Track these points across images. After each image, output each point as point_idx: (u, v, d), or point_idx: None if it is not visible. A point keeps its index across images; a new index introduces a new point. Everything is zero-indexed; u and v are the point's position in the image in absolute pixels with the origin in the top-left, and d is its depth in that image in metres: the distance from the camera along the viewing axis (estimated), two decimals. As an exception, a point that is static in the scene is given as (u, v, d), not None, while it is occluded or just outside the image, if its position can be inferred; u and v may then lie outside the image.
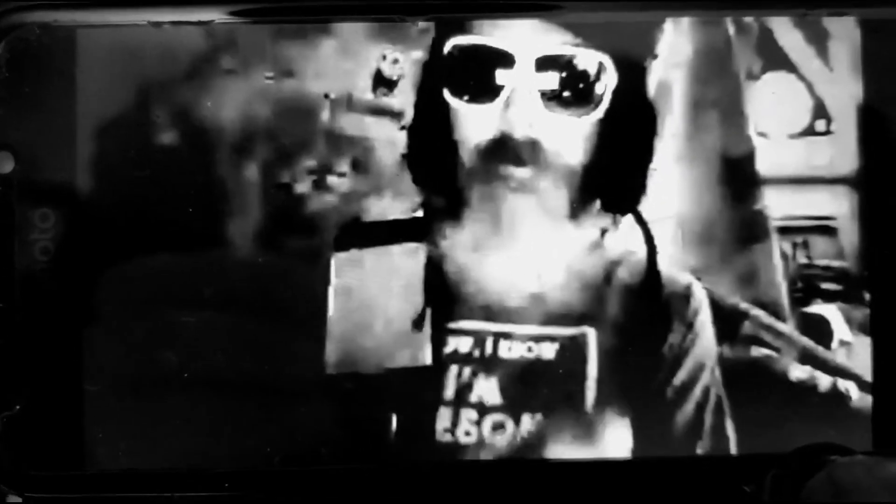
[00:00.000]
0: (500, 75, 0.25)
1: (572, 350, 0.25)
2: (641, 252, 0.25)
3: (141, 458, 0.25)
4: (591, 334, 0.25)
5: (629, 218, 0.26)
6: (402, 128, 0.25)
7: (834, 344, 0.25)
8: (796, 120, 0.25)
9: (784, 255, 0.25)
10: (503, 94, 0.26)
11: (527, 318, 0.25)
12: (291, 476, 0.25)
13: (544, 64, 0.26)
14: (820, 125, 0.25)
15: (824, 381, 0.25)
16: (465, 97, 0.25)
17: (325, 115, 0.25)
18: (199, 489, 0.25)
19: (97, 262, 0.25)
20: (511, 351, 0.25)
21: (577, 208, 0.26)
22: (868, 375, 0.25)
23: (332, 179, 0.25)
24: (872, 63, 0.25)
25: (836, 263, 0.25)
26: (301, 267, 0.25)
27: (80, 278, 0.25)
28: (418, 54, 0.25)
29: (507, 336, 0.25)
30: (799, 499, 0.21)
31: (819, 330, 0.25)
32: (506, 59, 0.25)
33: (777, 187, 0.25)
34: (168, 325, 0.25)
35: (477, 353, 0.25)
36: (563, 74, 0.25)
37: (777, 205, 0.25)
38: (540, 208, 0.26)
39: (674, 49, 0.25)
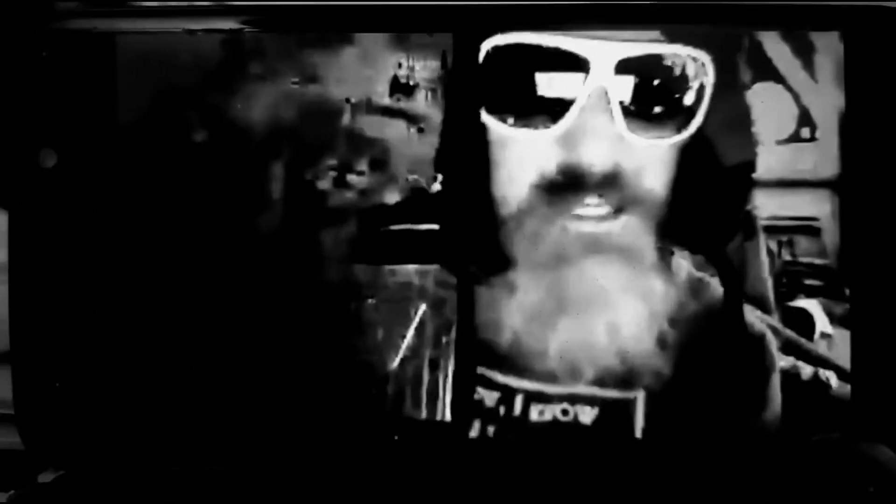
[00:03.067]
0: (567, 86, 0.23)
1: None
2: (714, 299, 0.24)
3: (172, 432, 0.27)
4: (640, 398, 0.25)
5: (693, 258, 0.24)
6: (420, 130, 0.25)
7: (816, 336, 0.27)
8: (783, 127, 0.27)
9: (770, 253, 0.27)
10: (570, 113, 0.22)
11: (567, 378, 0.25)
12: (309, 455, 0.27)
13: (628, 68, 0.21)
14: (805, 132, 0.27)
15: (806, 370, 0.27)
16: (512, 119, 0.24)
17: (346, 118, 0.27)
18: (225, 463, 0.27)
19: (133, 250, 0.27)
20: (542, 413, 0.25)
21: (661, 252, 0.24)
22: (847, 365, 0.26)
23: (351, 177, 0.27)
24: (854, 75, 0.26)
25: (818, 261, 0.27)
26: (321, 260, 0.27)
27: (117, 265, 0.27)
28: (434, 64, 0.24)
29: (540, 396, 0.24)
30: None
31: (802, 322, 0.27)
32: (574, 63, 0.22)
33: (765, 189, 0.26)
34: (195, 309, 0.27)
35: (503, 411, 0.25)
36: (656, 81, 0.22)
37: (765, 205, 0.26)
38: (617, 258, 0.24)
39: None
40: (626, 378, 0.26)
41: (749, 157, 0.26)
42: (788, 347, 0.27)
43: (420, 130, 0.26)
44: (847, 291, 0.26)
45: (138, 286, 0.27)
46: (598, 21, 0.22)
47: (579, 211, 0.23)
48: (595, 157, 0.22)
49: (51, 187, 0.27)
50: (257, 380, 0.27)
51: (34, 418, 0.27)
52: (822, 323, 0.26)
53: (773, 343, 0.27)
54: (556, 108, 0.24)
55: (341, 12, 0.26)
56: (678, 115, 0.24)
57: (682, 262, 0.26)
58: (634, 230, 0.24)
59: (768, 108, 0.27)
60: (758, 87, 0.27)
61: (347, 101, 0.27)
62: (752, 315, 0.26)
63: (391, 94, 0.27)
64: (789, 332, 0.27)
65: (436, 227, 0.25)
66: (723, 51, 0.25)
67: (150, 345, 0.27)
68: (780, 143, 0.27)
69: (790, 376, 0.27)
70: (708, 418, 0.26)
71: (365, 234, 0.26)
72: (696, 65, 0.23)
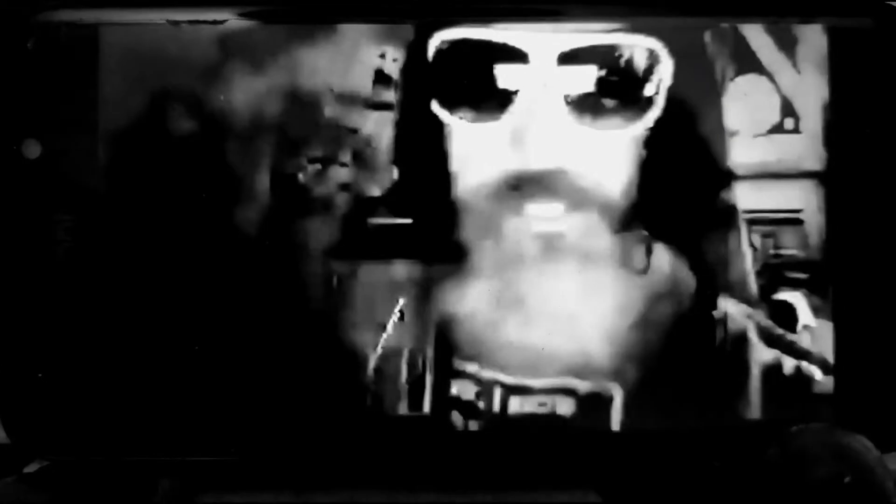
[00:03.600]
0: (508, 79, 0.23)
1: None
2: (696, 292, 0.24)
3: (156, 424, 0.27)
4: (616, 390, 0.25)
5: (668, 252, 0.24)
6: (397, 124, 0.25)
7: (798, 328, 0.27)
8: (766, 119, 0.27)
9: (753, 245, 0.26)
10: (514, 106, 0.22)
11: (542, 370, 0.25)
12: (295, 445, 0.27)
13: (571, 59, 0.22)
14: (788, 124, 0.27)
15: (789, 363, 0.27)
16: (461, 112, 0.24)
17: (329, 110, 0.27)
18: (207, 454, 0.27)
19: (115, 242, 0.27)
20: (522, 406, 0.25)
21: (619, 249, 0.24)
22: (830, 358, 0.26)
23: (334, 169, 0.27)
24: (837, 67, 0.26)
25: (801, 253, 0.27)
26: (300, 254, 0.27)
27: (100, 256, 0.27)
28: (400, 55, 0.23)
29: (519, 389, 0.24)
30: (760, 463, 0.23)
31: (785, 315, 0.26)
32: (515, 56, 0.23)
33: (747, 182, 0.26)
34: (177, 301, 0.27)
35: (482, 404, 0.25)
36: (602, 72, 0.22)
37: (747, 198, 0.26)
38: (569, 253, 0.24)
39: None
40: (605, 371, 0.26)
41: (727, 149, 0.26)
42: (771, 340, 0.27)
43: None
44: (830, 284, 0.26)
45: (120, 277, 0.27)
46: (558, 5, 0.22)
47: (537, 205, 0.24)
48: (544, 150, 0.22)
49: (34, 178, 0.27)
50: (237, 373, 0.27)
51: (18, 410, 0.27)
52: (805, 316, 0.26)
53: (755, 336, 0.26)
54: (503, 102, 0.24)
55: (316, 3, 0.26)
56: (638, 108, 0.24)
57: (663, 256, 0.26)
58: (598, 225, 0.24)
59: (751, 99, 0.27)
60: (741, 79, 0.27)
61: (331, 91, 0.27)
62: (734, 308, 0.26)
63: (374, 86, 0.26)
64: (772, 325, 0.27)
65: (409, 220, 0.25)
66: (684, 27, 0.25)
67: (132, 336, 0.27)
68: (762, 134, 0.27)
69: (773, 369, 0.27)
70: (690, 412, 0.26)
71: (345, 227, 0.26)
72: (651, 55, 0.23)
